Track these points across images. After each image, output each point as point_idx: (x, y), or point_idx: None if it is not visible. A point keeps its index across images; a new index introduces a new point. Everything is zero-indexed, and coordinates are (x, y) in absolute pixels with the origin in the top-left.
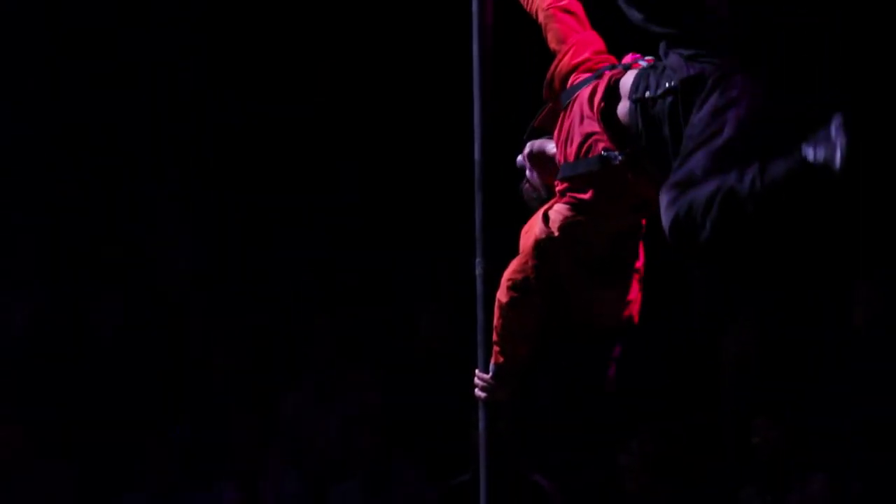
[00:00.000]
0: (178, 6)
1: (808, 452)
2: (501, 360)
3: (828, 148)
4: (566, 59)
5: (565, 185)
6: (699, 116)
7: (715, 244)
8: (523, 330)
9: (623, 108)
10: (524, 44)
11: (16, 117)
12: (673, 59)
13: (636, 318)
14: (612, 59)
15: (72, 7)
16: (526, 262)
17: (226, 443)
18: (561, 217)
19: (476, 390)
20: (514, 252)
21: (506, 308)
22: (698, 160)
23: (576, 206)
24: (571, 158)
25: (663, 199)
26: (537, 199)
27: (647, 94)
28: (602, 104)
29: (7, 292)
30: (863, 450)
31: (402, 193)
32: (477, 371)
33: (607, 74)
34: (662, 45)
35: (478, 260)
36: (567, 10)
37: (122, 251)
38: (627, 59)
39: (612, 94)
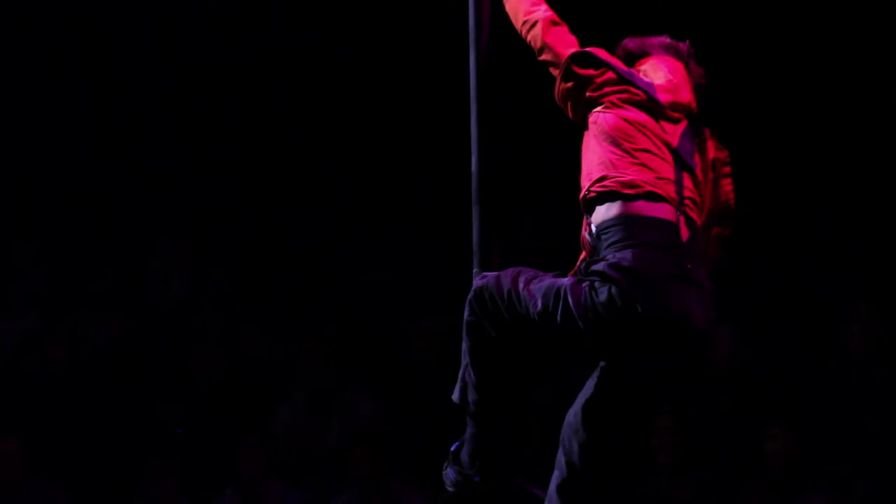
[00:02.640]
0: (174, 11)
1: (815, 467)
2: None
3: None
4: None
5: None
6: None
7: None
8: None
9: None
10: (521, 52)
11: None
12: None
13: None
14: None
15: (72, 9)
16: None
17: (224, 457)
18: None
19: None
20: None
21: None
22: None
23: None
24: None
25: None
26: None
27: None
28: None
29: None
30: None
31: (399, 199)
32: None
33: None
34: None
35: (475, 270)
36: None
37: (120, 258)
38: None
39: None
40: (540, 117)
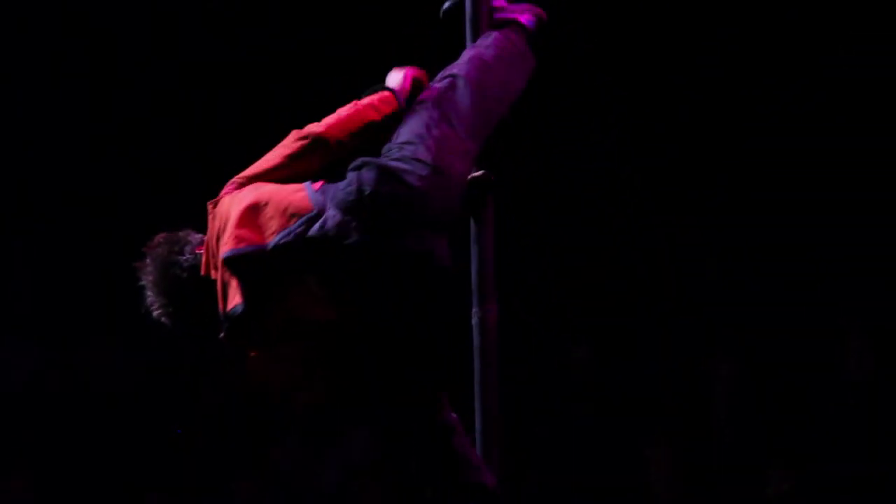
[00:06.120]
0: (174, 10)
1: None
2: None
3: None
4: None
5: None
6: None
7: None
8: None
9: None
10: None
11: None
12: None
13: None
14: None
15: (72, 9)
16: None
17: (223, 490)
18: None
19: None
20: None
21: None
22: None
23: None
24: None
25: None
26: None
27: None
28: None
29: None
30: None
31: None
32: None
33: None
34: None
35: (474, 310)
36: None
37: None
38: None
39: None
40: (539, 122)
